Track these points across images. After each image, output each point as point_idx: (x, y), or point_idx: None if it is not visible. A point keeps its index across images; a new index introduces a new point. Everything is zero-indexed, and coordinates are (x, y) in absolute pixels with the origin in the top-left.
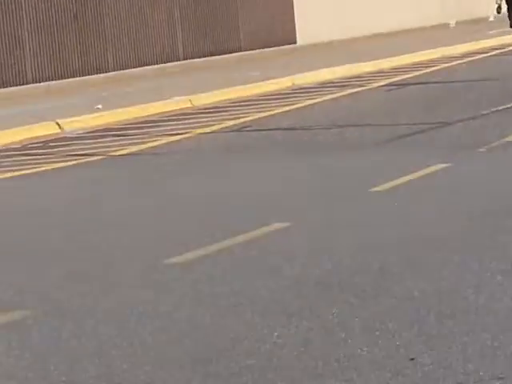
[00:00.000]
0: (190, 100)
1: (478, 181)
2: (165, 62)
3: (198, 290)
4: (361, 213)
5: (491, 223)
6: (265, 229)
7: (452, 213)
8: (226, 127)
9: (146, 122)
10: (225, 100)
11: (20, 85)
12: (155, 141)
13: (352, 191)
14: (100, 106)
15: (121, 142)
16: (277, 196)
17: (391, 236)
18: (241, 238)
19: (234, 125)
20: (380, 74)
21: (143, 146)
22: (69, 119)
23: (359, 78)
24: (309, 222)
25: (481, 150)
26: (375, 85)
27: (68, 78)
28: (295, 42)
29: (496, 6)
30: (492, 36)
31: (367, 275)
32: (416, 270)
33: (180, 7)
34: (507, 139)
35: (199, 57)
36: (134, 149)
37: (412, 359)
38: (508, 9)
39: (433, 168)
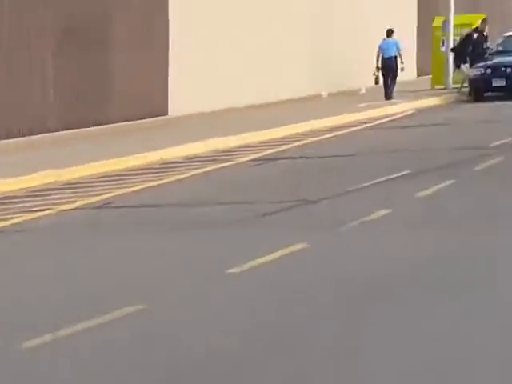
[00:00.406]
0: (56, 174)
1: (335, 261)
2: (34, 134)
3: (42, 376)
4: (215, 295)
5: (347, 306)
6: (118, 312)
7: (310, 292)
8: (89, 203)
9: (8, 197)
10: (91, 174)
11: None
12: (16, 218)
13: (209, 272)
14: None
15: None
16: (133, 277)
17: (240, 320)
18: (91, 323)
19: (97, 201)
20: (248, 147)
21: (2, 224)
22: None
23: (227, 153)
24: (162, 305)
25: (341, 229)
26: (243, 159)
27: None
28: (167, 114)
29: (374, 76)
30: (362, 109)
31: (221, 361)
32: (265, 355)
33: (53, 78)
34: (366, 218)
35: (70, 128)
36: None
37: None
38: (384, 80)
39: (292, 248)
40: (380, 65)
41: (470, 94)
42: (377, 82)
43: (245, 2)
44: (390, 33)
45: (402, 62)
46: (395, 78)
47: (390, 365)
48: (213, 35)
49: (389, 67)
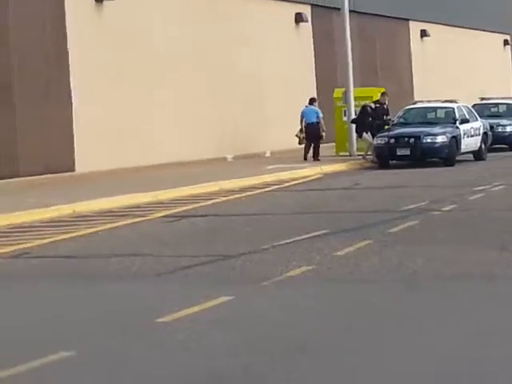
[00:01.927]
0: None
1: (262, 315)
2: None
3: None
4: (147, 343)
5: (275, 358)
6: (49, 358)
7: (238, 346)
8: (4, 253)
9: None
10: (4, 225)
11: None
12: None
13: (138, 321)
14: None
15: None
16: (63, 325)
17: (175, 368)
18: (24, 367)
19: (13, 251)
20: (160, 204)
21: None
22: None
23: (139, 208)
24: (94, 352)
25: (264, 283)
26: (155, 215)
27: None
28: (74, 170)
29: (297, 139)
30: (270, 172)
31: None
32: None
33: None
34: (289, 274)
35: None
36: None
37: None
38: (306, 143)
39: (217, 300)
40: (304, 129)
41: (374, 161)
42: (300, 143)
43: (152, 63)
44: (311, 101)
45: (323, 130)
46: (318, 141)
47: None
48: (117, 93)
49: (310, 132)
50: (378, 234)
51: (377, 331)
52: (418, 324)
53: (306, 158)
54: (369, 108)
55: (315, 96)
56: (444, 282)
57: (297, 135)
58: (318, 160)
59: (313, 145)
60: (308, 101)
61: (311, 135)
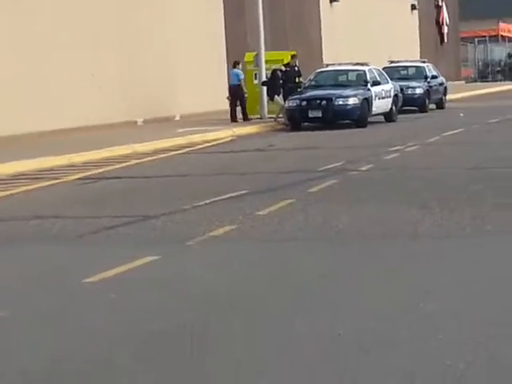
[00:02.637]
0: None
1: (190, 274)
2: None
3: None
4: (78, 303)
5: (209, 316)
6: None
7: (169, 305)
8: None
9: None
10: None
11: None
12: None
13: (64, 282)
14: None
15: None
16: None
17: (113, 328)
18: None
19: None
20: (73, 167)
21: None
22: None
23: (53, 171)
24: (27, 312)
25: (188, 243)
26: (70, 178)
27: None
28: None
29: (228, 101)
30: (182, 134)
31: (91, 368)
32: (143, 363)
33: None
34: (213, 233)
35: None
36: None
37: None
38: (230, 103)
39: (143, 260)
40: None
41: (286, 123)
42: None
43: (61, 28)
44: (234, 64)
45: (245, 92)
46: (243, 102)
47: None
48: (24, 57)
49: (233, 94)
50: (298, 193)
51: (304, 288)
52: (343, 281)
53: (234, 120)
54: (279, 72)
55: (238, 60)
56: (369, 240)
57: (227, 98)
58: (248, 120)
59: (241, 105)
60: (231, 64)
61: (234, 96)
